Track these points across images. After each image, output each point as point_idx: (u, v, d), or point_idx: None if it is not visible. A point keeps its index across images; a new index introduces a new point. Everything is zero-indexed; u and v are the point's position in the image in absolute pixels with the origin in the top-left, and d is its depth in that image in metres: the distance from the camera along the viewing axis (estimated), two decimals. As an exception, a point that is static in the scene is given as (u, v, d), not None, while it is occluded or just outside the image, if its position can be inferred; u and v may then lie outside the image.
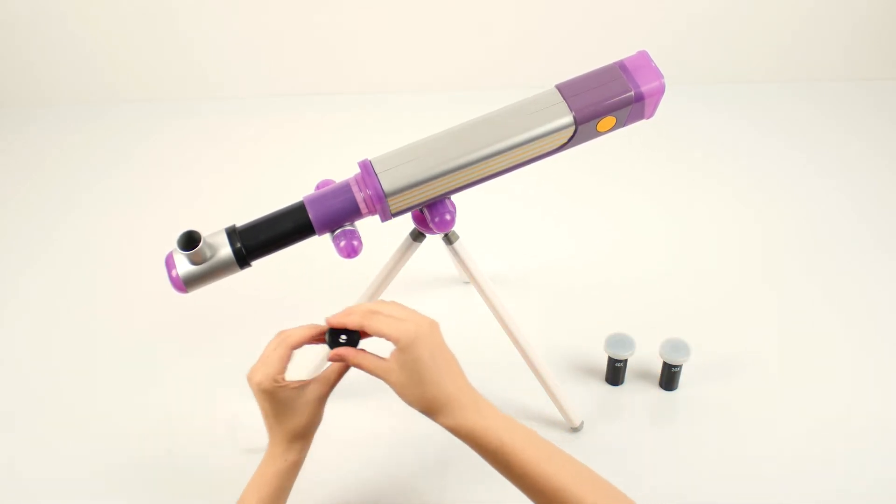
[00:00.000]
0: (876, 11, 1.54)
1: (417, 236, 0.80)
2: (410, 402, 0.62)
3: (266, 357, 0.66)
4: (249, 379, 0.67)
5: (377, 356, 0.64)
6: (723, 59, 1.61)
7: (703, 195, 1.31)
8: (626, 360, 0.94)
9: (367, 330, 0.62)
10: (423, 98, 1.63)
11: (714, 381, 0.95)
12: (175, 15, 1.58)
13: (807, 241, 1.19)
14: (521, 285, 1.13)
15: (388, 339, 0.61)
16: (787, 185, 1.32)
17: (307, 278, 1.15)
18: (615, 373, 0.95)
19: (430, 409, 0.62)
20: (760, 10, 1.54)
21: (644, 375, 0.97)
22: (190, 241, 0.65)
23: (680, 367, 0.92)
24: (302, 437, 0.68)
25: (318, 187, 0.74)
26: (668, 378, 0.94)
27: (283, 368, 0.66)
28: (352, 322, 0.64)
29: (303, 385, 0.67)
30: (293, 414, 0.67)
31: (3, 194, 1.43)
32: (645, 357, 0.97)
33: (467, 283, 1.11)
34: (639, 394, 0.95)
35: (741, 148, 1.42)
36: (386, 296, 0.84)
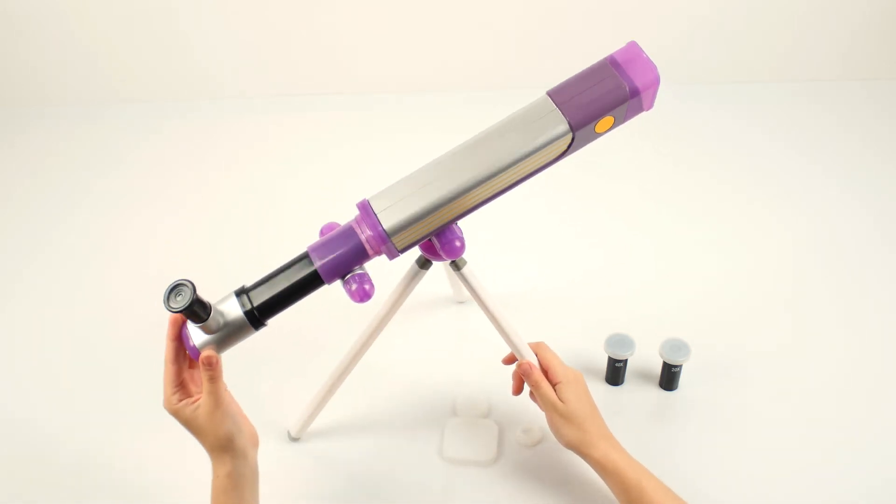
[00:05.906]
0: (876, 11, 1.54)
1: (424, 263, 0.77)
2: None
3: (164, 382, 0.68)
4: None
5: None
6: (723, 59, 1.61)
7: (703, 195, 1.31)
8: (626, 360, 0.94)
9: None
10: (424, 98, 1.63)
11: (714, 381, 0.95)
12: (175, 15, 1.58)
13: (807, 240, 1.18)
14: (520, 284, 1.13)
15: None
16: (788, 184, 1.32)
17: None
18: (615, 373, 0.95)
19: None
20: (761, 10, 1.54)
21: (644, 375, 0.97)
22: (194, 314, 0.63)
23: (680, 367, 0.92)
24: (224, 449, 0.67)
25: (322, 232, 0.71)
26: (668, 378, 0.94)
27: (174, 387, 0.68)
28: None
29: (196, 401, 0.68)
30: (203, 430, 0.67)
31: (2, 194, 1.43)
32: (645, 357, 0.97)
33: (461, 302, 1.09)
34: (639, 394, 0.95)
35: (741, 148, 1.42)
36: (391, 322, 0.81)
